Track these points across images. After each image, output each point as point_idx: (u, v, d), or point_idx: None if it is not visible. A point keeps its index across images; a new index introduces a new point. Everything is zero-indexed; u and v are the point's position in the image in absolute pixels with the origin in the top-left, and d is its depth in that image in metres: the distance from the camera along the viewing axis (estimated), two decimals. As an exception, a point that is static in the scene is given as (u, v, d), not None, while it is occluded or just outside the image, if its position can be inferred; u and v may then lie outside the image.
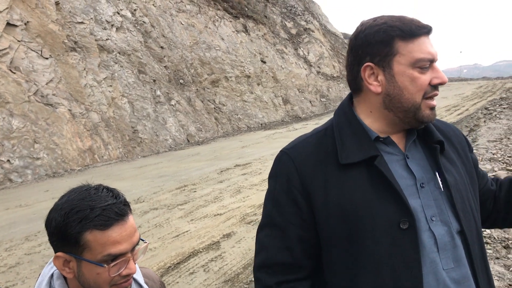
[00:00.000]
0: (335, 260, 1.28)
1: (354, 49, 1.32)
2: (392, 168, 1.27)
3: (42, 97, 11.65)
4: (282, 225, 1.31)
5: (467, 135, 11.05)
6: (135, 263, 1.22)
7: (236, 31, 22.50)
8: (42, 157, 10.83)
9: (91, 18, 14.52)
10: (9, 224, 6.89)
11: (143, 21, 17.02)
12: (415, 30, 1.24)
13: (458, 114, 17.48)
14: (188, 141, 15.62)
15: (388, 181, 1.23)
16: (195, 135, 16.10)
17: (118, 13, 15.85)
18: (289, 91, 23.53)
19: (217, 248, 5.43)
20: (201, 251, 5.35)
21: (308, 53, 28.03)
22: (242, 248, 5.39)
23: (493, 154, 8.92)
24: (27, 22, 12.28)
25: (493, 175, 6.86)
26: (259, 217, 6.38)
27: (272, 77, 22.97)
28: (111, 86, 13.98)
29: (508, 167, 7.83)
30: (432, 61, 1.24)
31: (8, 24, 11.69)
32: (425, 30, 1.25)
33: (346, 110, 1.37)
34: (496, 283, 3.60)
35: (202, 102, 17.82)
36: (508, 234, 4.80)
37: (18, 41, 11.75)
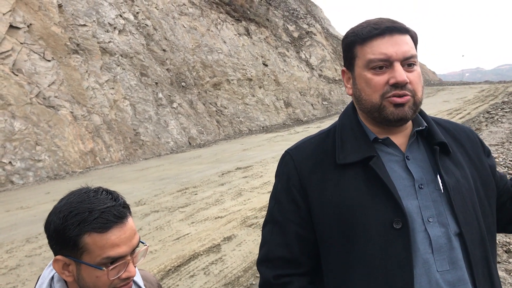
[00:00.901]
0: (331, 258, 1.31)
1: None
2: (390, 168, 1.28)
3: (44, 99, 11.67)
4: (282, 222, 1.37)
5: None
6: (135, 266, 1.22)
7: (238, 34, 22.53)
8: (43, 159, 10.84)
9: (94, 21, 14.56)
10: (10, 226, 6.89)
11: (145, 24, 17.06)
12: (367, 33, 1.27)
13: (460, 118, 17.46)
14: (190, 143, 15.63)
15: (382, 181, 1.24)
16: (197, 138, 16.10)
17: (121, 16, 15.89)
18: (291, 94, 23.54)
19: (217, 251, 5.42)
20: (201, 254, 5.34)
21: (310, 56, 28.05)
22: (243, 251, 5.38)
23: (495, 158, 8.90)
24: (30, 24, 12.32)
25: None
26: (260, 220, 6.38)
27: (274, 80, 22.98)
28: (113, 88, 14.00)
29: (510, 171, 7.81)
30: (387, 61, 1.24)
31: (11, 26, 11.73)
32: (377, 32, 1.26)
33: (349, 113, 1.41)
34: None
35: (204, 105, 17.83)
36: (509, 238, 4.79)
37: (20, 43, 11.79)
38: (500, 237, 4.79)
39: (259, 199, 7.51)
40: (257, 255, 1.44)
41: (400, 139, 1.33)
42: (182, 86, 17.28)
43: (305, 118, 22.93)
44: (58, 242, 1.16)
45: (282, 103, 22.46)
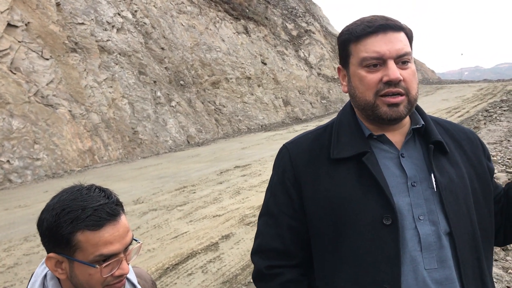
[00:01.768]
0: (321, 250, 1.33)
1: None
2: (384, 165, 1.28)
3: (42, 98, 11.65)
4: (276, 214, 1.39)
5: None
6: (128, 264, 1.21)
7: (237, 32, 22.51)
8: (42, 157, 10.83)
9: (92, 19, 14.53)
10: (8, 224, 6.88)
11: (143, 22, 17.03)
12: (360, 31, 1.28)
13: (459, 116, 17.47)
14: (188, 142, 15.62)
15: (374, 177, 1.24)
16: (195, 136, 16.09)
17: (119, 14, 15.86)
18: (290, 93, 23.53)
19: (215, 249, 5.42)
20: (199, 252, 5.34)
21: (309, 54, 28.03)
22: (241, 250, 5.38)
23: (493, 156, 8.91)
24: (28, 23, 12.29)
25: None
26: (258, 219, 6.39)
27: (273, 78, 22.97)
28: (111, 87, 13.98)
29: (508, 169, 7.82)
30: (380, 59, 1.25)
31: (9, 25, 11.70)
32: (371, 30, 1.26)
33: (347, 109, 1.42)
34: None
35: (202, 103, 17.82)
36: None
37: (18, 41, 11.76)
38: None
39: (258, 198, 7.51)
40: None
41: (396, 136, 1.33)
42: (181, 85, 17.26)
43: (304, 117, 22.93)
44: (51, 240, 1.16)
45: (281, 102, 22.45)
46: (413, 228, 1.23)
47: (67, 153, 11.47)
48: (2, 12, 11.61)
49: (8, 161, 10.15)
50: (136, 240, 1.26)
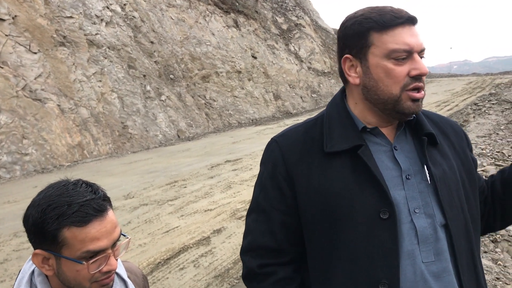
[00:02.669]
0: (315, 246, 1.30)
1: (338, 41, 1.35)
2: (378, 158, 1.27)
3: (30, 92, 11.52)
4: (267, 210, 1.35)
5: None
6: (116, 259, 1.20)
7: (227, 26, 22.41)
8: (30, 152, 10.72)
9: (80, 13, 14.36)
10: (-4, 220, 6.81)
11: (133, 16, 16.87)
12: (389, 21, 1.22)
13: (448, 110, 17.58)
14: (179, 136, 15.55)
15: (371, 170, 1.22)
16: (186, 131, 16.03)
17: (108, 8, 15.70)
18: (280, 87, 23.50)
19: (207, 244, 5.42)
20: (191, 247, 5.33)
21: (299, 48, 28.00)
22: (233, 244, 5.38)
23: (482, 150, 8.98)
24: (15, 16, 12.11)
25: (482, 170, 6.90)
26: (249, 213, 6.38)
27: (263, 72, 22.92)
28: (100, 81, 13.86)
29: (496, 162, 7.89)
30: (409, 52, 1.22)
31: (-5, 18, 11.53)
32: (401, 21, 1.22)
33: (338, 102, 1.38)
34: (484, 277, 3.62)
35: (192, 97, 17.74)
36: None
37: (5, 35, 11.60)
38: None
39: (249, 192, 7.50)
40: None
41: (388, 129, 1.32)
42: (171, 79, 17.16)
43: (294, 111, 22.93)
44: (37, 236, 1.14)
45: (271, 96, 22.43)
46: (409, 221, 1.22)
47: (56, 148, 11.37)
48: (-12, 5, 11.44)
49: (-4, 156, 10.03)
50: (124, 235, 1.24)
